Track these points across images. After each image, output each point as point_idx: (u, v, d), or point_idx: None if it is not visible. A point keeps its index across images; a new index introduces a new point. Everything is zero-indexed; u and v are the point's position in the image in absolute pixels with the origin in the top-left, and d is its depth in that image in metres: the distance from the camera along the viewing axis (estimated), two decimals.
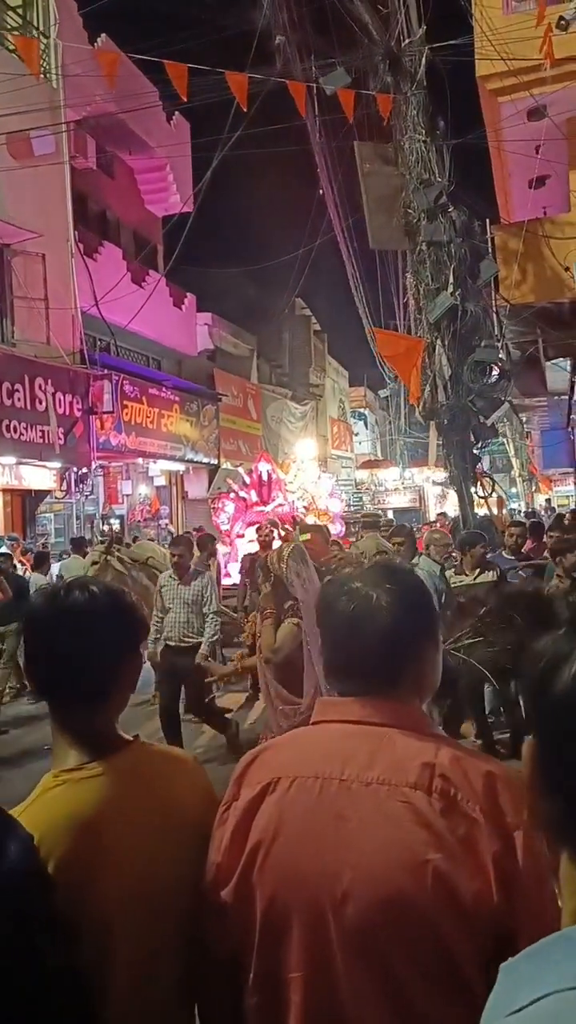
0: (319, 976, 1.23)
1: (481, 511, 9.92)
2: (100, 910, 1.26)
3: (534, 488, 26.11)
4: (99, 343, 16.10)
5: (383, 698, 1.34)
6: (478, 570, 6.46)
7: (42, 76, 13.70)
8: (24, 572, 11.50)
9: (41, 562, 10.81)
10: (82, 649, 1.36)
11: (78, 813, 1.30)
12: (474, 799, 1.21)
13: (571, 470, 21.09)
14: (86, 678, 1.37)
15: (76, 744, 1.37)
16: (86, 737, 1.37)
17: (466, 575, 6.42)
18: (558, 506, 24.67)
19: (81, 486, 14.92)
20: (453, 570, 6.63)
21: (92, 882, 1.27)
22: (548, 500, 26.91)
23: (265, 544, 9.26)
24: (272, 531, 9.42)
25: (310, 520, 12.58)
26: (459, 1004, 1.18)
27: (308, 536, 6.00)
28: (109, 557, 8.20)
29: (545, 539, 7.63)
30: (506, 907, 1.17)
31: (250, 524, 12.62)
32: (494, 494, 9.81)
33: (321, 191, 14.61)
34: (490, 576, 6.41)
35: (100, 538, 15.13)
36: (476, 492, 9.22)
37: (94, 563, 7.87)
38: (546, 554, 7.12)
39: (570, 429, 16.27)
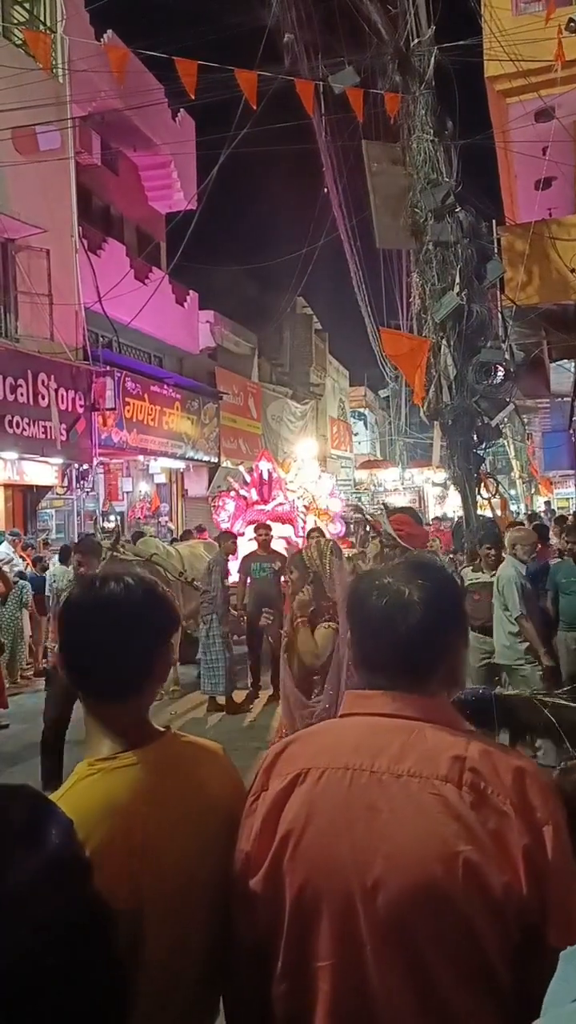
0: (348, 964, 1.24)
1: (485, 512, 9.93)
2: (133, 896, 1.28)
3: (533, 490, 26.11)
4: (101, 340, 16.10)
5: (414, 692, 1.35)
6: (494, 568, 6.50)
7: (49, 71, 13.69)
8: (25, 568, 11.52)
9: (66, 556, 10.96)
10: (118, 640, 1.37)
11: (113, 801, 1.31)
12: (504, 793, 1.23)
13: (572, 472, 21.10)
14: (121, 669, 1.38)
15: (110, 734, 1.38)
16: (120, 727, 1.39)
17: (483, 572, 6.48)
18: (558, 508, 24.68)
19: (82, 482, 14.91)
20: (471, 567, 6.68)
21: (126, 868, 1.28)
22: (548, 502, 26.92)
23: (263, 544, 9.26)
24: (270, 531, 9.41)
25: (311, 520, 12.59)
26: (485, 993, 1.20)
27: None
28: (115, 553, 8.21)
29: (558, 542, 7.65)
30: (535, 900, 1.18)
31: (250, 523, 12.61)
32: (497, 495, 9.81)
33: (326, 190, 14.61)
34: None
35: (101, 534, 15.15)
36: (480, 493, 9.23)
37: (102, 559, 7.89)
38: (560, 557, 7.16)
39: (572, 431, 16.28)
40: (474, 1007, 1.19)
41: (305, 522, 12.47)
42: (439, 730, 1.31)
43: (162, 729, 1.47)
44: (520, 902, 1.18)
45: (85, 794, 1.31)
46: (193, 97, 7.36)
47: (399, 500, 25.73)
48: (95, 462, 14.83)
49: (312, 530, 9.05)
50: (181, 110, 19.04)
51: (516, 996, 1.18)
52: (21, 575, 10.83)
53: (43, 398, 12.89)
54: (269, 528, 9.68)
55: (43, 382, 12.94)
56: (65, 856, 1.09)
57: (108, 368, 14.68)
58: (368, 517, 8.36)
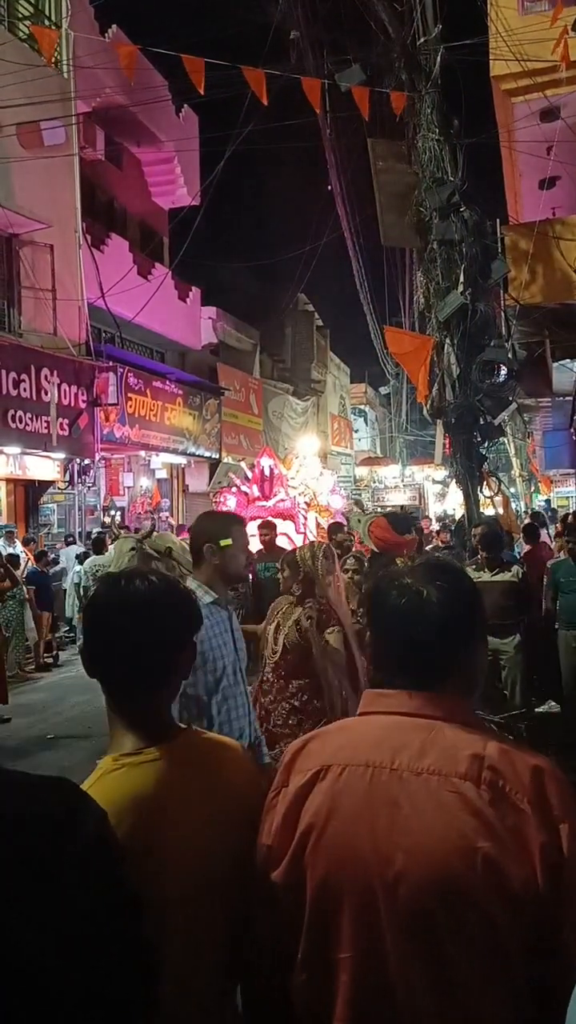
0: (368, 956, 1.27)
1: (487, 511, 9.95)
2: (158, 887, 1.30)
3: (533, 488, 26.13)
4: (104, 335, 16.10)
5: (433, 692, 1.37)
6: (496, 568, 6.53)
7: (53, 66, 13.68)
8: (26, 563, 11.55)
9: (100, 547, 11.00)
10: (143, 636, 1.40)
11: (138, 795, 1.34)
12: (522, 791, 1.25)
13: (572, 471, 21.12)
14: (145, 665, 1.41)
15: (133, 729, 1.41)
16: (143, 722, 1.42)
17: (484, 571, 6.50)
18: (558, 507, 24.71)
19: (84, 477, 14.93)
20: (473, 566, 6.70)
21: (151, 860, 1.31)
22: (548, 501, 26.93)
23: (268, 543, 9.22)
24: (275, 530, 9.36)
25: (312, 516, 12.60)
26: (503, 986, 1.22)
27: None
28: (143, 545, 8.32)
29: (558, 542, 7.68)
30: (552, 896, 1.21)
31: (252, 519, 12.62)
32: (499, 494, 9.83)
33: (330, 187, 14.61)
34: (508, 575, 6.49)
35: (99, 529, 15.18)
36: (481, 491, 9.25)
37: (131, 549, 8.05)
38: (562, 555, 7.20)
39: (573, 430, 16.29)
40: (491, 1000, 1.22)
41: (306, 519, 12.49)
42: (458, 729, 1.33)
43: (182, 725, 1.50)
44: (537, 898, 1.21)
45: (111, 787, 1.34)
46: (203, 93, 7.35)
47: (399, 497, 25.74)
48: (97, 457, 14.84)
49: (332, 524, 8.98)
50: (185, 106, 19.01)
51: (531, 990, 1.21)
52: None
53: (46, 393, 12.91)
54: (274, 527, 9.66)
55: (46, 377, 12.95)
56: (102, 844, 1.13)
57: (110, 363, 14.68)
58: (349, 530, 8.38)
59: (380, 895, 1.26)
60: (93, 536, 12.67)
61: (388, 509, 20.08)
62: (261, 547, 9.44)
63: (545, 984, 1.20)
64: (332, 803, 1.32)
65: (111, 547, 8.78)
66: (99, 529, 15.11)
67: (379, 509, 21.58)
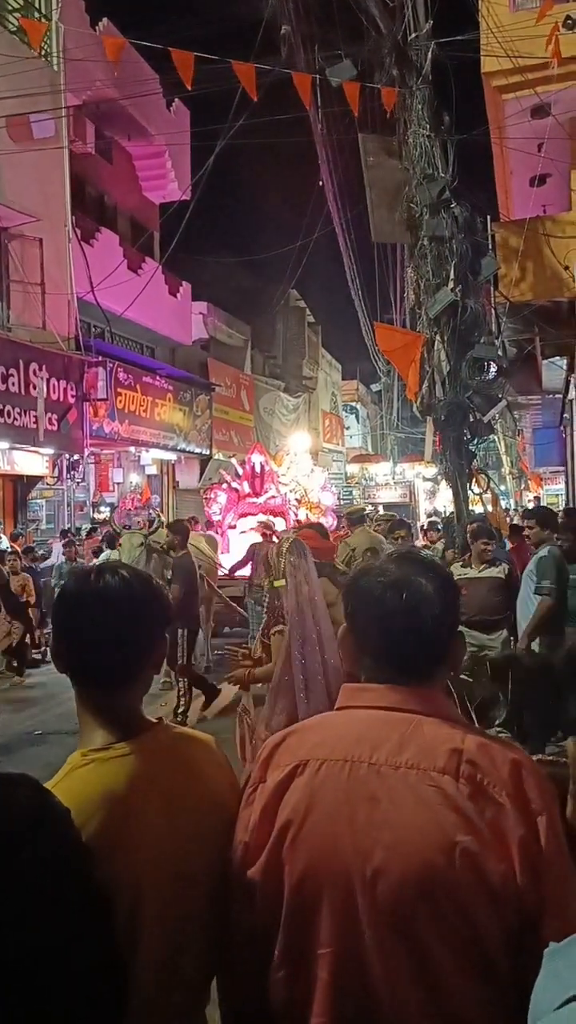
0: (348, 951, 1.26)
1: (477, 508, 9.97)
2: (131, 885, 1.29)
3: (523, 486, 26.23)
4: (94, 329, 16.04)
5: (413, 685, 1.37)
6: (484, 564, 6.57)
7: (43, 59, 13.60)
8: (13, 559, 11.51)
9: (113, 542, 11.04)
10: (111, 631, 1.38)
11: (109, 790, 1.32)
12: (500, 785, 1.25)
13: (562, 468, 21.19)
14: (114, 660, 1.39)
15: (103, 724, 1.39)
16: (113, 717, 1.40)
17: (471, 568, 6.54)
18: (548, 504, 24.78)
19: (73, 473, 14.87)
20: (461, 563, 6.74)
21: (123, 857, 1.29)
22: (537, 498, 27.03)
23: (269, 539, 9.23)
24: (274, 529, 9.38)
25: (302, 514, 12.61)
26: (484, 980, 1.22)
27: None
28: (149, 540, 8.46)
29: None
30: (530, 889, 1.21)
31: (242, 515, 12.62)
32: (488, 491, 9.85)
33: (321, 183, 14.59)
34: (496, 571, 6.53)
35: (90, 525, 15.15)
36: (471, 489, 9.26)
37: (140, 544, 8.16)
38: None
39: (562, 428, 16.36)
40: (472, 993, 1.22)
41: (296, 515, 12.50)
42: (437, 723, 1.33)
43: (154, 720, 1.48)
44: (516, 891, 1.21)
45: (80, 784, 1.31)
46: (190, 88, 7.31)
47: (390, 494, 25.79)
48: (86, 452, 14.79)
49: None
50: (176, 100, 18.94)
51: (513, 983, 1.20)
52: None
53: (34, 388, 12.84)
54: (272, 526, 9.67)
55: (34, 372, 12.88)
56: (64, 843, 1.12)
57: (100, 358, 14.62)
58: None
59: (359, 890, 1.25)
60: (107, 531, 12.61)
61: (367, 509, 20.13)
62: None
63: (528, 976, 1.20)
64: (310, 798, 1.32)
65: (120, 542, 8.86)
66: (90, 525, 15.09)
67: (370, 506, 21.63)
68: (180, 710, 7.52)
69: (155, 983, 1.31)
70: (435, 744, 1.29)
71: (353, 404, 38.19)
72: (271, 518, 11.33)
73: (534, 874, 1.21)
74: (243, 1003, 1.42)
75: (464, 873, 1.21)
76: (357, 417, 38.87)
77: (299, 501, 13.20)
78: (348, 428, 37.15)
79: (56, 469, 14.28)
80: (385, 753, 1.30)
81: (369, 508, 19.86)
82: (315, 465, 15.81)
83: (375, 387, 29.58)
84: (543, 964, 0.74)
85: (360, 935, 1.25)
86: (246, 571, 9.91)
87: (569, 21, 8.01)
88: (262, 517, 11.52)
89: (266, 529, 9.25)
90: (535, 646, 5.72)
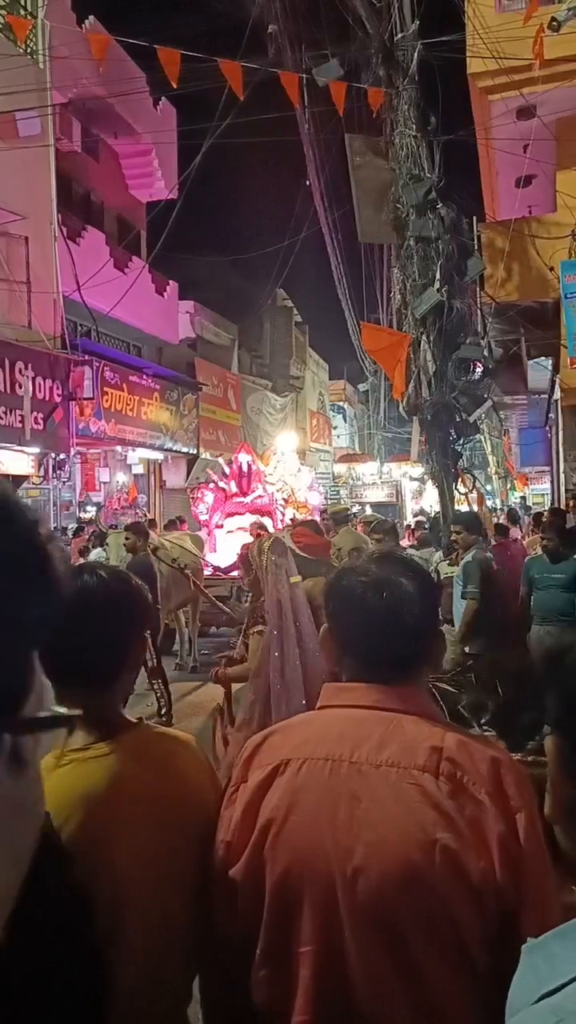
0: (329, 949, 1.27)
1: (463, 507, 9.99)
2: (111, 884, 1.29)
3: (509, 486, 26.33)
4: (80, 328, 15.97)
5: (394, 684, 1.37)
6: None
7: (29, 56, 13.53)
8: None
9: (102, 541, 10.97)
10: (89, 631, 1.35)
11: (88, 790, 1.32)
12: (480, 782, 1.26)
13: (547, 468, 21.30)
14: (91, 662, 1.37)
15: (82, 725, 1.39)
16: (92, 718, 1.39)
17: (457, 567, 6.59)
18: (533, 504, 24.91)
19: (59, 472, 14.79)
20: (448, 561, 6.79)
21: (103, 856, 1.29)
22: (523, 498, 27.14)
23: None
24: (264, 531, 9.32)
25: (289, 513, 12.60)
26: (464, 975, 1.23)
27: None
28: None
29: (529, 539, 7.75)
30: (510, 886, 1.22)
31: (229, 515, 12.60)
32: (474, 491, 9.89)
33: (308, 182, 14.57)
34: None
35: (76, 524, 15.08)
36: (457, 488, 9.29)
37: (127, 540, 8.15)
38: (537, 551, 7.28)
39: (548, 428, 16.44)
40: (453, 989, 1.22)
41: (284, 515, 12.49)
42: (418, 721, 1.34)
43: (133, 720, 1.48)
44: (496, 887, 1.22)
45: (57, 785, 1.30)
46: (175, 87, 7.30)
47: (377, 494, 25.82)
48: (72, 452, 14.72)
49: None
50: (163, 99, 18.89)
51: (493, 978, 1.21)
52: None
53: (20, 387, 12.77)
54: (264, 527, 9.65)
55: (20, 370, 12.81)
56: (46, 845, 1.11)
57: (86, 357, 14.56)
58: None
59: (340, 888, 1.26)
60: (94, 530, 12.52)
61: (357, 509, 20.15)
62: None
63: (507, 972, 1.21)
64: (292, 797, 1.32)
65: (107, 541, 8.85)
66: (76, 524, 15.01)
67: (357, 505, 21.66)
68: (163, 712, 7.51)
69: (138, 982, 1.31)
70: (416, 742, 1.30)
71: (340, 404, 38.19)
72: (261, 518, 11.30)
73: (513, 870, 1.22)
74: (226, 1002, 1.42)
75: (444, 870, 1.21)
76: (344, 417, 38.88)
77: (286, 501, 13.19)
78: (335, 428, 37.16)
79: (42, 468, 14.20)
80: (366, 751, 1.31)
81: (356, 508, 19.93)
82: (302, 464, 15.80)
83: (362, 387, 29.58)
84: (521, 959, 0.75)
85: (341, 933, 1.26)
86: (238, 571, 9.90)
87: (554, 23, 8.04)
88: (253, 518, 11.50)
89: (260, 531, 9.23)
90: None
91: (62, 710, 0.69)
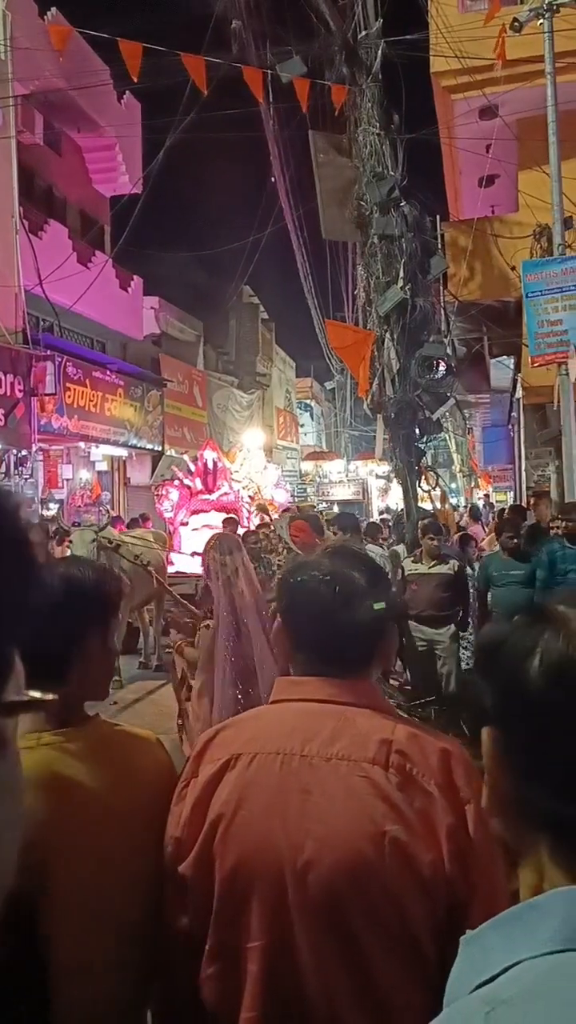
0: (278, 944, 1.26)
1: (425, 505, 10.06)
2: (37, 871, 1.26)
3: (473, 484, 26.58)
4: (42, 323, 15.77)
5: (346, 677, 1.37)
6: (434, 561, 6.65)
7: None
8: None
9: (62, 539, 10.78)
10: (43, 624, 1.34)
11: (31, 775, 1.30)
12: (429, 774, 1.26)
13: (510, 467, 21.54)
14: (49, 652, 1.36)
15: (36, 717, 1.39)
16: (48, 711, 1.38)
17: (421, 563, 6.63)
18: (496, 502, 25.17)
19: (20, 469, 14.60)
20: (412, 558, 6.83)
21: (40, 850, 1.26)
22: (487, 495, 27.40)
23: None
24: (237, 526, 9.10)
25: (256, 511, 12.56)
26: (414, 970, 1.23)
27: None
28: (100, 538, 8.38)
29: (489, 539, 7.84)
30: (459, 877, 1.22)
31: (194, 512, 12.54)
32: (437, 488, 9.96)
33: (273, 179, 14.55)
34: (445, 568, 6.62)
35: (40, 522, 14.88)
36: (420, 486, 9.35)
37: (92, 540, 8.07)
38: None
39: (510, 426, 16.62)
40: (402, 982, 1.22)
41: (250, 513, 12.46)
42: (369, 715, 1.34)
43: (91, 715, 1.47)
44: (445, 879, 1.22)
45: None
46: (136, 80, 7.24)
47: (343, 492, 25.90)
48: (34, 448, 14.53)
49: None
50: (127, 93, 18.73)
51: (442, 971, 1.21)
52: None
53: None
54: (236, 523, 9.59)
55: None
56: None
57: (49, 352, 14.38)
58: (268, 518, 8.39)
59: (290, 882, 1.25)
60: (55, 528, 12.38)
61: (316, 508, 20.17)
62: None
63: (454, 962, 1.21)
64: (242, 792, 1.31)
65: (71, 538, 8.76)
66: (38, 522, 14.82)
67: (324, 503, 21.70)
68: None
69: (85, 983, 1.29)
70: (366, 735, 1.30)
71: (307, 402, 38.23)
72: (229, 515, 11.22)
73: (462, 862, 1.23)
74: (175, 999, 1.41)
75: (393, 862, 1.21)
76: (311, 415, 38.93)
77: (252, 498, 13.16)
78: (302, 425, 37.18)
79: (3, 465, 14.01)
80: (317, 745, 1.30)
81: (323, 506, 19.96)
82: (269, 462, 15.77)
83: (329, 385, 29.64)
84: (460, 950, 0.74)
85: (290, 927, 1.25)
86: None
87: (516, 24, 8.11)
88: (219, 516, 11.44)
89: (263, 512, 9.14)
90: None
91: (36, 694, 0.71)
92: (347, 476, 27.80)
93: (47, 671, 1.37)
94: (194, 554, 9.49)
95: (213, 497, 12.64)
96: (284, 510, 9.64)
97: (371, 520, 15.23)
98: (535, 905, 0.70)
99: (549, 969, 0.63)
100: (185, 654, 4.05)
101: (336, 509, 19.30)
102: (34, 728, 1.37)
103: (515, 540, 6.80)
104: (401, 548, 8.58)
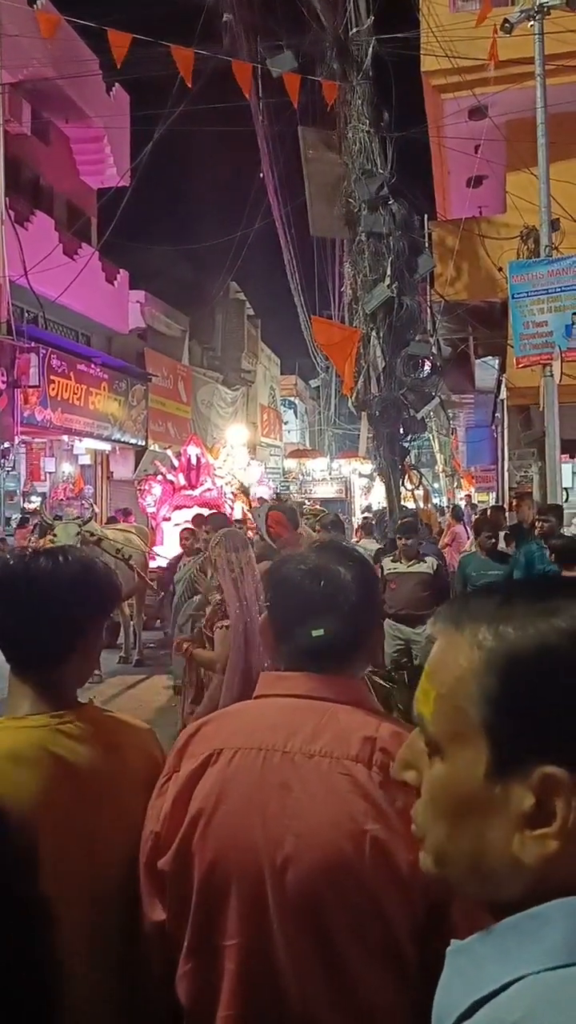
0: (256, 942, 1.25)
1: (408, 504, 10.08)
2: (24, 850, 1.25)
3: (456, 484, 26.68)
4: (27, 314, 15.64)
5: (331, 673, 1.36)
6: (412, 560, 6.65)
7: None
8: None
9: (44, 532, 10.69)
10: (38, 613, 1.40)
11: (15, 753, 1.32)
12: None
13: (493, 467, 21.64)
14: (45, 640, 1.41)
15: (29, 698, 1.41)
16: (42, 694, 1.41)
17: (400, 562, 6.63)
18: (479, 502, 25.28)
19: (3, 461, 14.50)
20: (391, 557, 6.83)
21: (17, 818, 1.24)
22: (468, 496, 27.51)
23: (189, 550, 8.25)
24: (192, 536, 8.62)
25: (238, 508, 12.55)
26: (391, 968, 1.22)
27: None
28: (83, 531, 8.38)
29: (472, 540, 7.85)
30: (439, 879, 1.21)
31: (177, 508, 12.51)
32: (420, 487, 9.98)
33: (261, 175, 14.52)
34: (424, 567, 6.62)
35: (20, 515, 14.79)
36: (403, 485, 9.37)
37: (76, 534, 8.08)
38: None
39: (494, 427, 16.69)
40: (380, 982, 1.21)
41: (233, 509, 12.44)
42: (352, 711, 1.32)
43: (83, 702, 1.49)
44: (424, 879, 1.20)
45: None
46: (119, 68, 7.19)
47: (326, 490, 25.92)
48: (16, 441, 14.43)
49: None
50: (116, 84, 18.60)
51: (421, 971, 1.20)
52: None
53: None
54: (225, 517, 9.52)
55: None
56: None
57: (33, 344, 14.28)
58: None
59: (268, 880, 1.24)
60: (38, 521, 12.32)
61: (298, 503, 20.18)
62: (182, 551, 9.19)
63: (435, 965, 1.20)
64: (222, 787, 1.30)
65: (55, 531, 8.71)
66: (20, 515, 14.74)
67: (306, 501, 21.70)
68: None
69: (70, 977, 1.27)
70: (349, 732, 1.29)
71: (292, 399, 38.23)
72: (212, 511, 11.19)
73: None
74: (152, 997, 1.39)
75: (373, 861, 1.20)
76: (296, 412, 38.93)
77: (235, 494, 13.15)
78: (286, 423, 37.18)
79: None
80: (299, 741, 1.29)
81: (306, 503, 19.95)
82: (252, 459, 15.77)
83: (314, 383, 29.68)
84: (447, 961, 0.71)
85: (268, 925, 1.24)
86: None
87: (507, 25, 8.12)
88: (201, 511, 11.39)
89: (243, 495, 9.05)
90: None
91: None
92: (330, 474, 27.83)
93: (56, 655, 1.41)
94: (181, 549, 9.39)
95: (196, 493, 12.62)
96: (259, 499, 9.60)
97: (366, 517, 15.29)
98: (533, 915, 0.65)
99: (558, 985, 0.60)
100: (200, 656, 3.99)
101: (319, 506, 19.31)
102: (32, 710, 1.40)
103: (493, 540, 6.82)
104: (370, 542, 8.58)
